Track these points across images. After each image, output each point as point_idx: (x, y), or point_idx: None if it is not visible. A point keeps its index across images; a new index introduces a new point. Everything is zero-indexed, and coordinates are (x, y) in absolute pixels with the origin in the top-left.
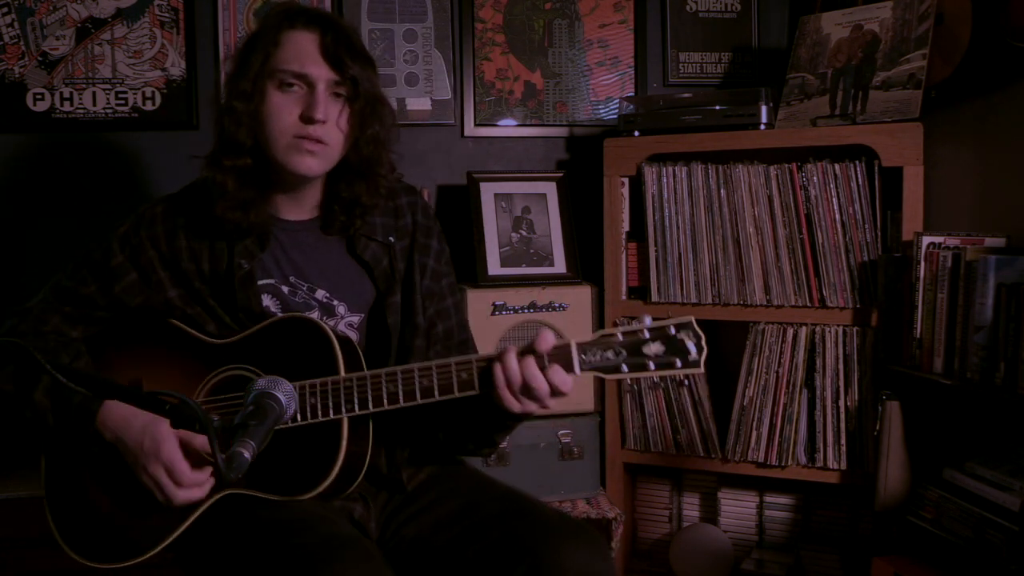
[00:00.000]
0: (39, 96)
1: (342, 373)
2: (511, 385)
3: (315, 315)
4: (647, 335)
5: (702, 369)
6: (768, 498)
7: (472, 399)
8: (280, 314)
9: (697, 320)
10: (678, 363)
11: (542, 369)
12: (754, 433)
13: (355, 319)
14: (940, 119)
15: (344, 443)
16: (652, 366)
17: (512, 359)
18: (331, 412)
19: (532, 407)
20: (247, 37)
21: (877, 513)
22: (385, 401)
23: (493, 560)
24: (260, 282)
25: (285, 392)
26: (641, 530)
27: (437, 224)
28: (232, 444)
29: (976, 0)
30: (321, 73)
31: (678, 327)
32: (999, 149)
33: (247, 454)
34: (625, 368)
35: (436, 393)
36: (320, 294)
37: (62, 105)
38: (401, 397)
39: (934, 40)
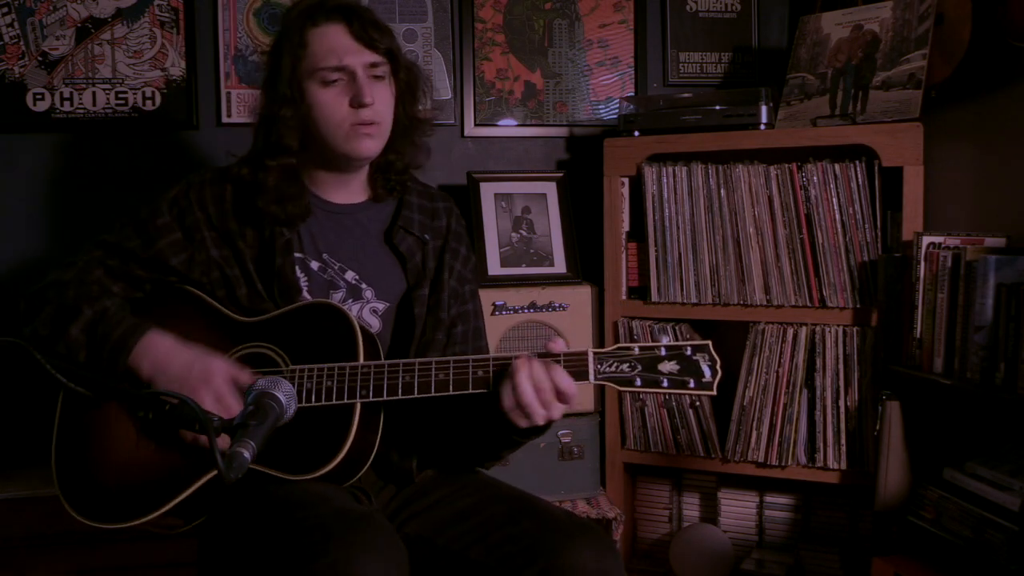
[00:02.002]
0: (39, 96)
1: (361, 359)
2: (528, 387)
3: (341, 295)
4: (664, 352)
5: (714, 392)
6: (768, 498)
7: (482, 415)
8: (306, 289)
9: (697, 320)
10: (691, 383)
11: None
12: (754, 433)
13: (380, 306)
14: (940, 119)
15: (354, 427)
16: (665, 383)
17: (532, 359)
18: (345, 396)
19: (537, 418)
20: (272, 44)
21: (877, 513)
22: (400, 390)
23: (504, 559)
24: (295, 255)
25: (285, 392)
26: (641, 530)
27: (468, 235)
28: (232, 444)
29: (976, 0)
30: (359, 60)
31: (695, 348)
32: (999, 149)
33: (247, 454)
34: (639, 382)
35: (451, 387)
36: (350, 275)
37: (62, 105)
38: (416, 388)
39: (934, 40)
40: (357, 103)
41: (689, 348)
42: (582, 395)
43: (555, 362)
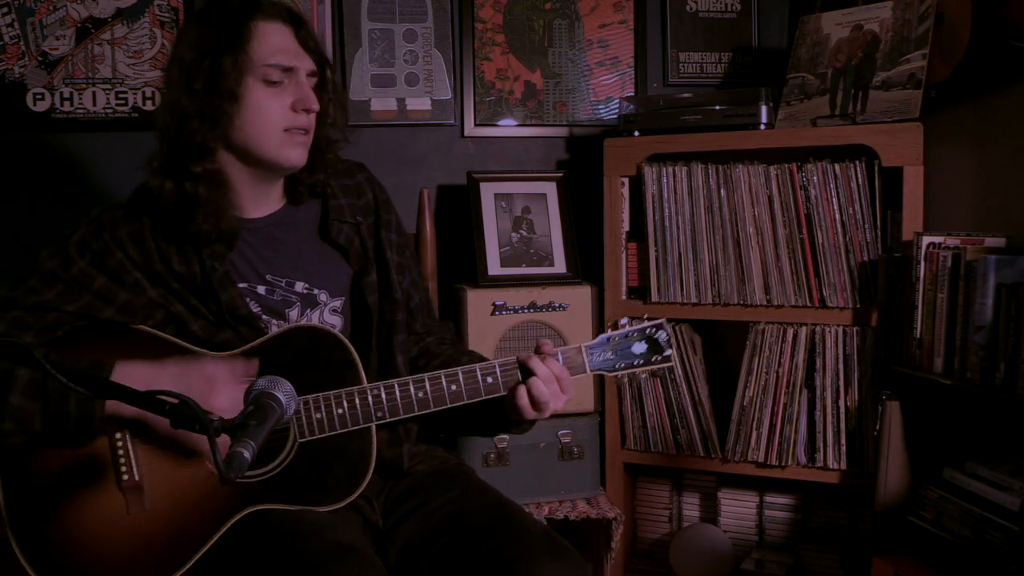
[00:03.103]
0: (39, 96)
1: (364, 380)
2: (542, 384)
3: (296, 310)
4: (634, 336)
5: (674, 363)
6: (768, 498)
7: (481, 412)
8: (263, 316)
9: (697, 320)
10: (656, 360)
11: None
12: (754, 433)
13: (337, 303)
14: (940, 119)
15: (374, 451)
16: (638, 363)
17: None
18: (361, 421)
19: (547, 411)
20: (195, 30)
21: (877, 513)
22: (415, 407)
23: (476, 573)
24: (238, 286)
25: (285, 392)
26: (641, 530)
27: (390, 197)
28: (232, 444)
29: (976, 0)
30: (304, 64)
31: (655, 328)
32: (999, 149)
33: (247, 454)
34: (620, 366)
35: (464, 397)
36: (299, 286)
37: (62, 105)
38: (431, 403)
39: (934, 40)
40: (301, 107)
41: (650, 329)
42: (582, 395)
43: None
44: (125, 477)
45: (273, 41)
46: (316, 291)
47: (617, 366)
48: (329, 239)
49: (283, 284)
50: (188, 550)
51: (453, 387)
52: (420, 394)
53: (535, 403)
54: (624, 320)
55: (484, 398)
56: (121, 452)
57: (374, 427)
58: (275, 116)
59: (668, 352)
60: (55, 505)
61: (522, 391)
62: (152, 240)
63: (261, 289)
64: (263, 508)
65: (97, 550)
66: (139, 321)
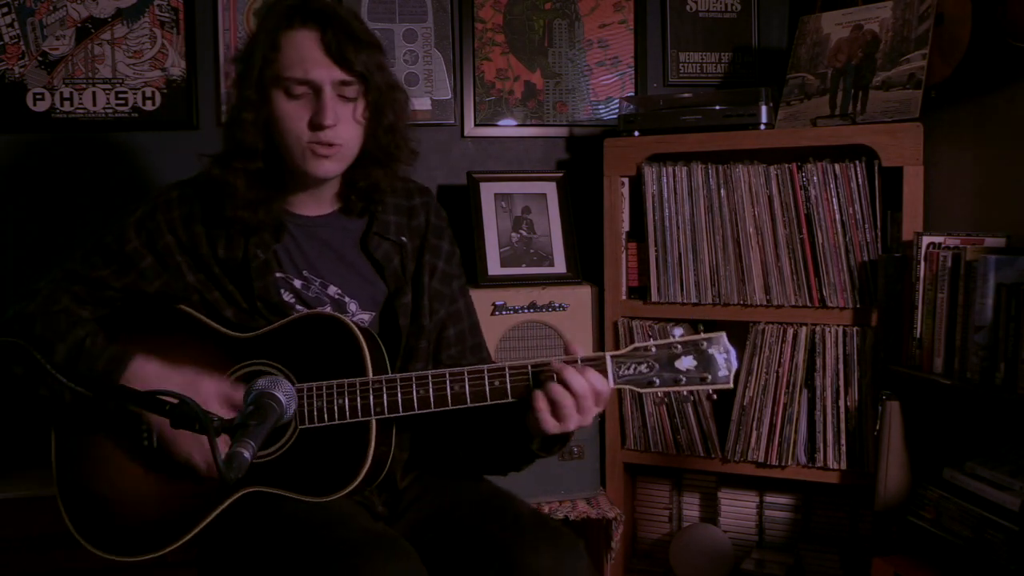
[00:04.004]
0: (39, 96)
1: (370, 374)
2: (559, 391)
3: (327, 310)
4: (679, 349)
5: (731, 385)
6: (768, 498)
7: (501, 427)
8: (297, 307)
9: (697, 320)
10: (708, 378)
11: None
12: (754, 433)
13: (366, 316)
14: (940, 119)
15: (372, 446)
16: (684, 380)
17: (555, 362)
18: (359, 414)
19: (571, 423)
20: (248, 39)
21: (877, 513)
22: (416, 404)
23: (468, 562)
24: (276, 275)
25: (285, 392)
26: (641, 530)
27: (449, 227)
28: (232, 444)
29: (976, 0)
30: (326, 75)
31: (709, 341)
32: (999, 149)
33: (247, 454)
34: (658, 382)
35: (468, 399)
36: (332, 290)
37: (62, 105)
38: (432, 401)
39: (934, 40)
40: (315, 124)
41: (704, 341)
42: None
43: (586, 364)
44: (145, 443)
45: (295, 52)
46: (347, 299)
47: (654, 381)
48: (368, 251)
49: (317, 284)
50: (193, 519)
51: (456, 387)
52: (421, 391)
53: (556, 411)
54: (678, 331)
55: (490, 403)
56: (144, 421)
57: (373, 422)
58: (297, 129)
59: (723, 372)
60: (89, 465)
61: (540, 399)
62: (202, 224)
63: (297, 283)
64: (261, 490)
65: (121, 508)
66: (177, 301)
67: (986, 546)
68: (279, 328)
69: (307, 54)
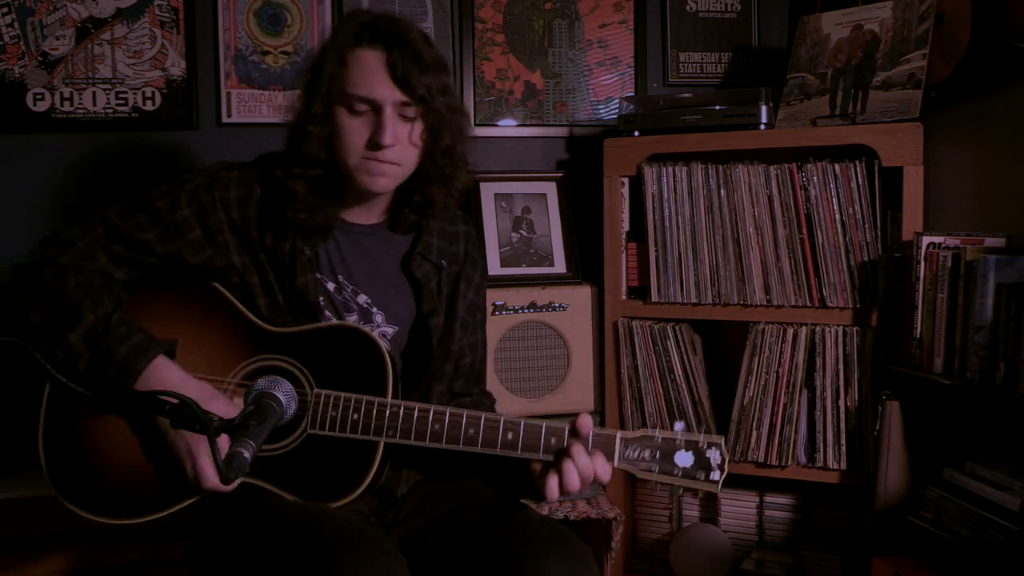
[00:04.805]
0: (39, 96)
1: (390, 397)
2: (575, 473)
3: (354, 316)
4: (682, 444)
5: (718, 491)
6: (768, 498)
7: (505, 465)
8: (326, 312)
9: (697, 320)
10: (700, 476)
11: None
12: (754, 433)
13: (389, 330)
14: (940, 119)
15: (375, 467)
16: (679, 474)
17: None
18: (371, 433)
19: (569, 492)
20: (319, 51)
21: (877, 513)
22: (428, 437)
23: (477, 566)
24: (315, 275)
25: (285, 392)
26: (641, 530)
27: (483, 259)
28: (232, 444)
29: (976, 0)
30: (388, 95)
31: (709, 443)
32: (999, 149)
33: (247, 454)
34: (655, 469)
35: (479, 445)
36: (362, 299)
37: (62, 105)
38: (444, 439)
39: (934, 40)
40: (374, 143)
41: (704, 442)
42: (583, 395)
43: (596, 448)
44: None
45: (360, 71)
46: (375, 310)
47: (652, 469)
48: (408, 270)
49: (349, 290)
50: (177, 495)
51: (471, 431)
52: (436, 426)
53: (564, 488)
54: (680, 426)
55: (499, 453)
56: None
57: (382, 444)
58: (356, 146)
59: (716, 476)
60: (78, 427)
61: (551, 474)
62: (256, 208)
63: (331, 286)
64: (254, 484)
65: (105, 469)
66: (216, 278)
67: (986, 546)
68: (311, 331)
69: (371, 74)
